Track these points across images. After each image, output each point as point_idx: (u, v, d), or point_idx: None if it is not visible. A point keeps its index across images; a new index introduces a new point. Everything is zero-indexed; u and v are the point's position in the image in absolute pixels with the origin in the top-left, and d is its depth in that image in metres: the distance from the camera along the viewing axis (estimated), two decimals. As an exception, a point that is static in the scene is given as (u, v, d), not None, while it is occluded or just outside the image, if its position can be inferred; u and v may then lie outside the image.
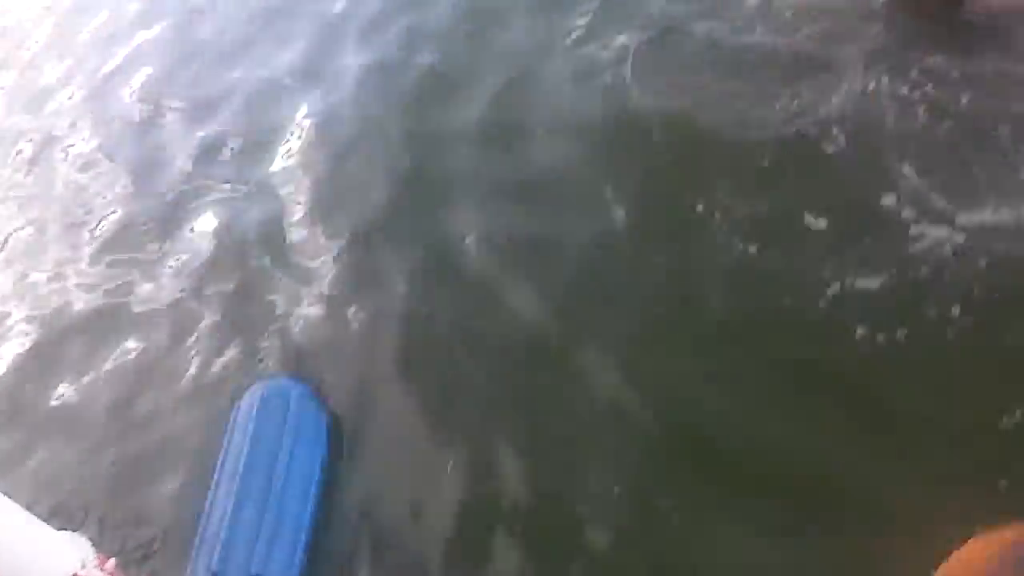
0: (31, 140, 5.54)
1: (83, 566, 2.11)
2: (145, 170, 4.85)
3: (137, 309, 4.04)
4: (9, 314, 4.44)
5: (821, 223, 2.97)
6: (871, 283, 2.75)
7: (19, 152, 5.52)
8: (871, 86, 3.29)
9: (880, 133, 3.15)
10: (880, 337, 2.62)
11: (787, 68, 3.46)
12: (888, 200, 2.91)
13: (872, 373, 2.59)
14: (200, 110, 5.03)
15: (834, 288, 2.77)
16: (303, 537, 2.74)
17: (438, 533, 2.70)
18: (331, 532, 2.83)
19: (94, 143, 5.24)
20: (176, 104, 5.20)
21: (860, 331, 2.65)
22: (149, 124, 5.17)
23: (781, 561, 2.32)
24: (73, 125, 5.47)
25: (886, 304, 2.69)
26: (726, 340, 2.83)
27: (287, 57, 5.04)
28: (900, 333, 2.62)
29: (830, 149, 3.14)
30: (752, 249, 2.98)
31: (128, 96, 5.47)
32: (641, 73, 3.76)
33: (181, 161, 4.74)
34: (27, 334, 4.26)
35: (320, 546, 2.78)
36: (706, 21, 3.84)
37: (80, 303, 4.25)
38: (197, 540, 2.67)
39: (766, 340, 2.78)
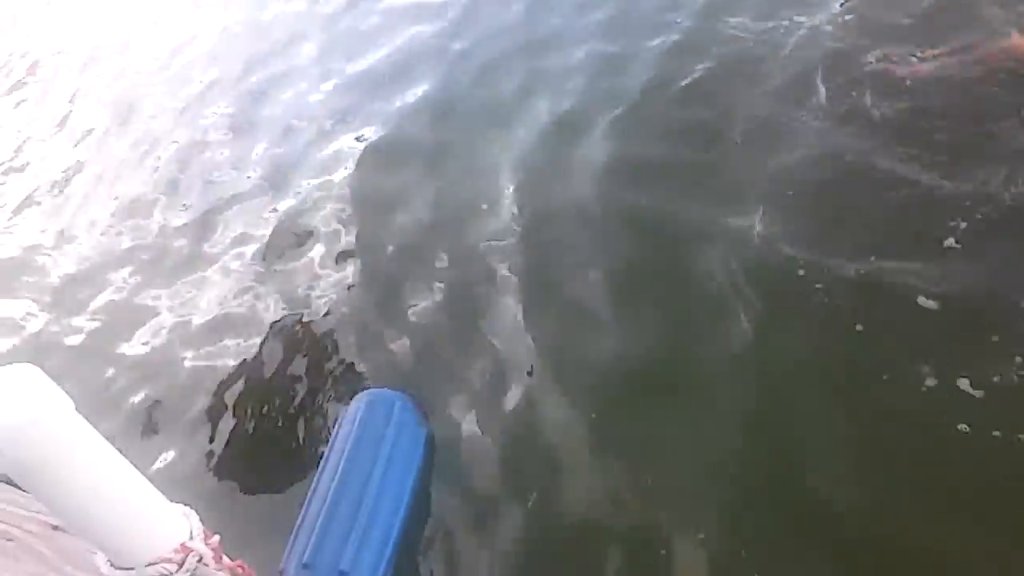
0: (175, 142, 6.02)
1: (191, 537, 2.21)
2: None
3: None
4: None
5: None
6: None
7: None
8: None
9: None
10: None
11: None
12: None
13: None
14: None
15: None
16: (392, 542, 2.81)
17: (519, 550, 2.73)
18: (419, 540, 2.91)
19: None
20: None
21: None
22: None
23: None
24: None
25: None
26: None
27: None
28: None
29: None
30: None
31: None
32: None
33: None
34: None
35: (407, 552, 2.85)
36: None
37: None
38: (294, 531, 2.79)
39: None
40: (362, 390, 3.34)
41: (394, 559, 2.80)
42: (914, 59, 3.70)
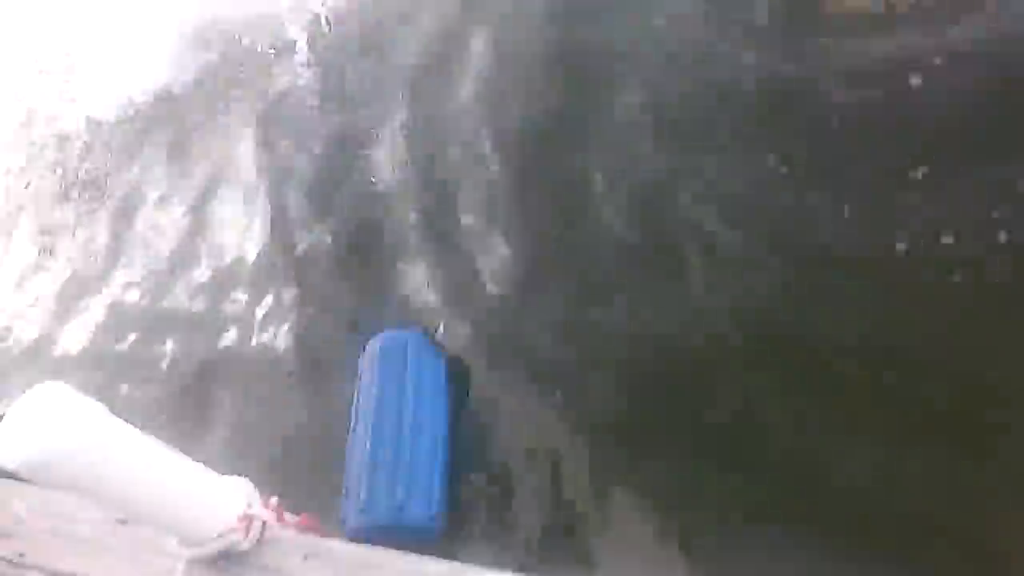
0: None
1: (249, 505, 2.28)
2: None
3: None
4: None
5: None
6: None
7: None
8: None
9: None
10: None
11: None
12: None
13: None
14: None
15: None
16: (439, 466, 2.95)
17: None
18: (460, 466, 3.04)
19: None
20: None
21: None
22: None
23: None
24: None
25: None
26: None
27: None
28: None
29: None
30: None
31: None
32: None
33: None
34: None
35: (455, 472, 3.00)
36: None
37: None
38: (345, 481, 2.92)
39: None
40: (372, 334, 3.40)
41: (444, 482, 2.93)
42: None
